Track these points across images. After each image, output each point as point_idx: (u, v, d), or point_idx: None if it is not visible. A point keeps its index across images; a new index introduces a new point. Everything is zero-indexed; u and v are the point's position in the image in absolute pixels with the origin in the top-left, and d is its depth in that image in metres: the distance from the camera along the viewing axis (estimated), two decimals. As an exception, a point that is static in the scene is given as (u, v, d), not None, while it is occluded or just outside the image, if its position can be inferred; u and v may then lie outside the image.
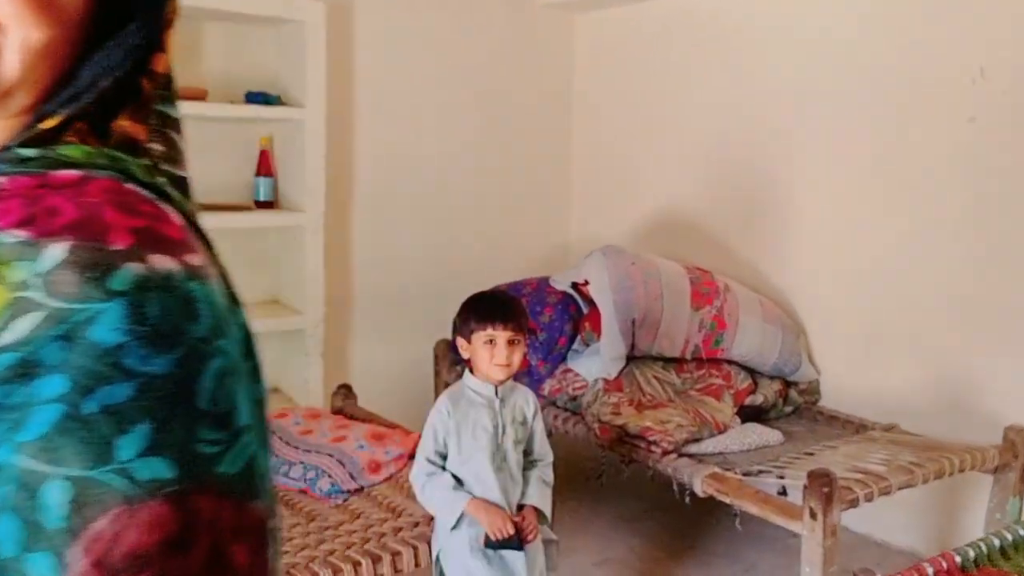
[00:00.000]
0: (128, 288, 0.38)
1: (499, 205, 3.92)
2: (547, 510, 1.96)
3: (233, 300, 0.46)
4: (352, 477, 2.24)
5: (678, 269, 3.09)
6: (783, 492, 2.42)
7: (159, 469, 0.37)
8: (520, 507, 1.91)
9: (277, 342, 3.40)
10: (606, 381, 2.87)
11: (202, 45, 3.13)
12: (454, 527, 1.85)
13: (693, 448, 2.56)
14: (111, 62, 0.46)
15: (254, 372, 0.44)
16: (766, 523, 2.22)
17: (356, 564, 1.83)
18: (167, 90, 0.52)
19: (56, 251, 0.38)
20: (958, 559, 1.70)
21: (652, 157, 3.74)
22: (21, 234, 0.39)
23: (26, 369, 0.36)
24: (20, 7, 0.41)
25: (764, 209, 3.29)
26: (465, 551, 1.84)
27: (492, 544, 1.82)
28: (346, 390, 2.85)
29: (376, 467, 2.29)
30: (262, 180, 3.20)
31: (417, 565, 1.92)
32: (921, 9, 2.76)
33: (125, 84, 0.47)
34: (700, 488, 2.33)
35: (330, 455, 2.31)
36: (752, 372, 3.04)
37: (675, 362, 3.00)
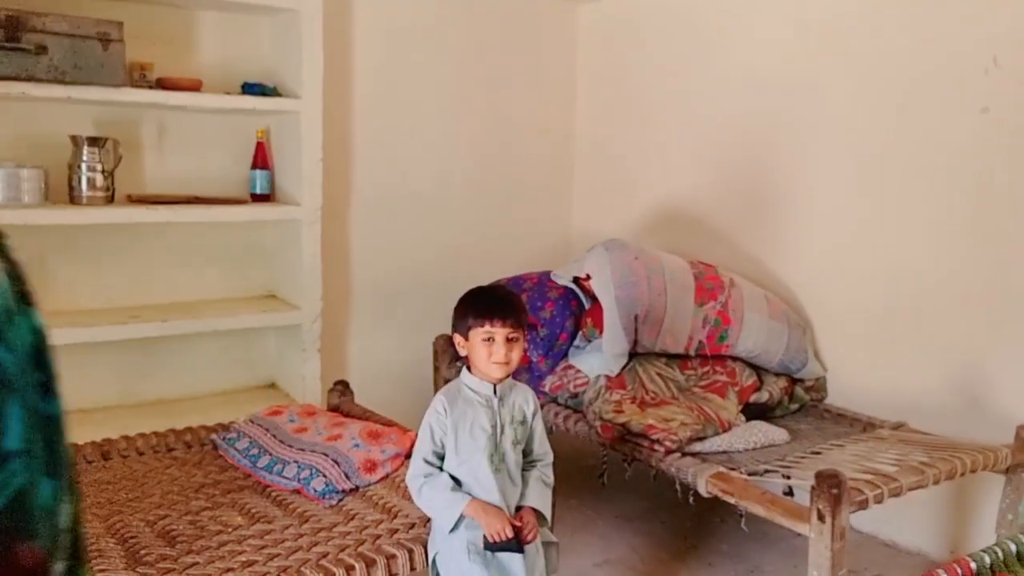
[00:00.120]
0: None
1: (500, 198, 3.86)
2: (547, 512, 1.90)
3: (22, 299, 0.37)
4: (347, 477, 2.19)
5: (682, 264, 3.03)
6: (789, 492, 2.36)
7: None
8: (519, 508, 1.86)
9: (274, 337, 3.35)
10: (608, 378, 2.81)
11: (197, 35, 3.07)
12: (452, 529, 1.80)
13: (697, 447, 2.50)
14: None
15: (43, 386, 0.37)
16: (771, 522, 2.16)
17: (349, 568, 1.77)
18: None
19: None
20: (973, 565, 1.64)
21: (656, 149, 3.68)
22: None
23: None
24: None
25: (770, 202, 3.22)
26: (463, 554, 1.78)
27: (491, 547, 1.77)
28: (342, 386, 2.79)
29: (372, 466, 2.24)
30: (258, 173, 3.16)
31: (413, 569, 1.86)
32: (932, -3, 2.69)
33: None
34: (704, 488, 2.27)
35: (325, 454, 2.25)
36: (757, 369, 2.98)
37: (679, 359, 2.95)
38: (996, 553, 1.68)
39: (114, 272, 3.02)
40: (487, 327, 1.82)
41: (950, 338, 2.70)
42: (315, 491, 2.13)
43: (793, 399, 2.95)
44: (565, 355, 3.01)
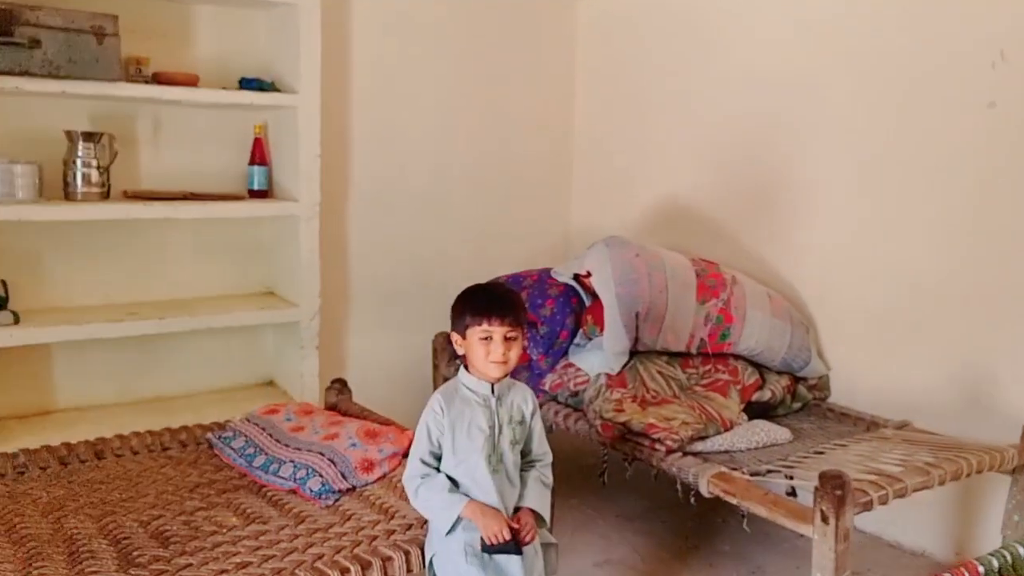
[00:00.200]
0: None
1: (499, 194, 3.83)
2: (545, 513, 1.87)
3: None
4: (343, 476, 2.16)
5: (683, 261, 2.99)
6: (792, 492, 2.33)
7: None
8: (517, 509, 1.83)
9: (272, 335, 3.33)
10: (609, 376, 2.78)
11: (193, 29, 3.03)
12: (449, 531, 1.77)
13: (699, 446, 2.47)
14: None
15: None
16: (774, 522, 2.13)
17: (344, 571, 1.74)
18: None
19: None
20: (981, 569, 1.61)
21: (656, 146, 3.65)
22: None
23: None
24: None
25: (772, 198, 3.19)
26: (460, 556, 1.75)
27: (489, 549, 1.74)
28: (340, 384, 2.76)
29: (369, 466, 2.21)
30: (256, 169, 3.13)
31: (409, 571, 1.83)
32: (938, -10, 2.65)
33: None
34: (706, 489, 2.24)
35: (321, 453, 2.22)
36: (760, 367, 2.95)
37: (680, 357, 2.91)
38: (1004, 557, 1.65)
39: (110, 269, 2.99)
40: (485, 326, 1.79)
41: (955, 336, 2.66)
42: (311, 491, 2.10)
43: (796, 398, 2.92)
44: (565, 353, 2.98)
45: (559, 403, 2.87)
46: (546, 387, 2.91)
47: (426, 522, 1.88)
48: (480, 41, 3.68)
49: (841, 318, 2.99)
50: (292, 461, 2.21)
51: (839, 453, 2.41)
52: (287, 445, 2.31)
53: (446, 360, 3.15)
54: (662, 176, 3.63)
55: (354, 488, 2.16)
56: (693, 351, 2.90)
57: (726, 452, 2.48)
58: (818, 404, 2.94)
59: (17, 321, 2.61)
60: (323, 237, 3.14)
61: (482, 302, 1.83)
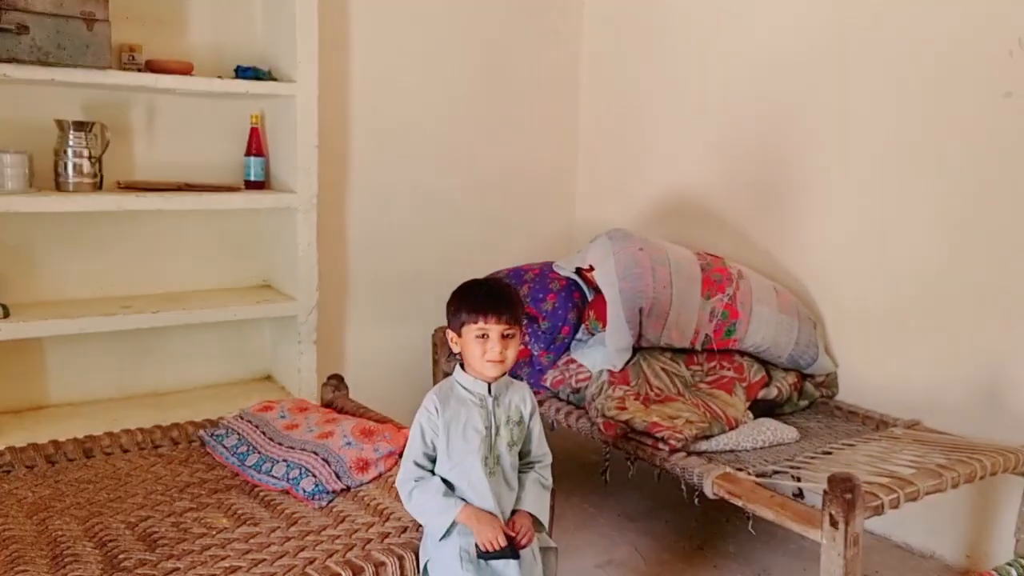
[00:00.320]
0: None
1: (501, 186, 3.75)
2: (544, 516, 1.81)
3: None
4: (337, 477, 2.10)
5: (688, 255, 2.92)
6: (799, 493, 2.27)
7: None
8: (514, 512, 1.77)
9: (269, 329, 3.27)
10: (611, 373, 2.72)
11: (187, 15, 2.96)
12: (444, 536, 1.71)
13: (703, 445, 2.41)
14: None
15: None
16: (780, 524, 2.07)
17: (335, 576, 1.68)
18: None
19: None
20: (997, 580, 1.54)
21: (662, 137, 3.57)
22: None
23: None
24: None
25: (780, 192, 3.11)
26: (455, 561, 1.69)
27: (484, 555, 1.68)
28: (337, 381, 2.70)
29: (364, 466, 2.15)
30: (252, 159, 3.06)
31: (403, 576, 1.77)
32: (953, -24, 2.57)
33: None
34: (711, 490, 2.17)
35: (315, 453, 2.16)
36: (766, 364, 2.88)
37: (684, 353, 2.84)
38: (1021, 566, 1.58)
39: (103, 261, 2.93)
40: (481, 323, 1.72)
41: (966, 333, 2.59)
42: (304, 492, 2.05)
43: (803, 395, 2.85)
44: (567, 349, 2.92)
45: (560, 400, 2.81)
46: (547, 383, 2.85)
47: (421, 525, 1.82)
48: (484, 28, 3.60)
49: (849, 313, 2.91)
50: (285, 460, 2.15)
51: (848, 453, 2.34)
52: (280, 444, 2.25)
53: (446, 355, 3.10)
54: (668, 168, 3.56)
55: (348, 488, 2.10)
56: (698, 347, 2.83)
57: (731, 451, 2.42)
58: (825, 402, 2.88)
59: (7, 315, 2.56)
60: (321, 229, 3.07)
61: (478, 298, 1.76)
